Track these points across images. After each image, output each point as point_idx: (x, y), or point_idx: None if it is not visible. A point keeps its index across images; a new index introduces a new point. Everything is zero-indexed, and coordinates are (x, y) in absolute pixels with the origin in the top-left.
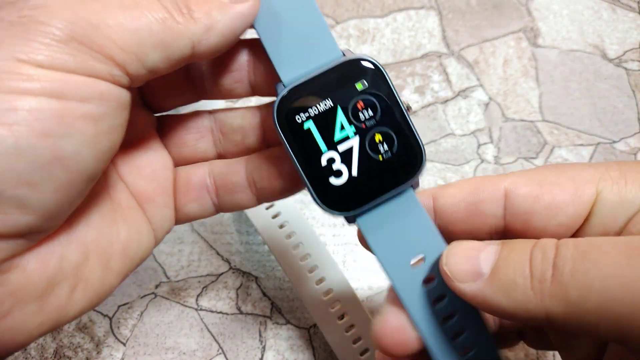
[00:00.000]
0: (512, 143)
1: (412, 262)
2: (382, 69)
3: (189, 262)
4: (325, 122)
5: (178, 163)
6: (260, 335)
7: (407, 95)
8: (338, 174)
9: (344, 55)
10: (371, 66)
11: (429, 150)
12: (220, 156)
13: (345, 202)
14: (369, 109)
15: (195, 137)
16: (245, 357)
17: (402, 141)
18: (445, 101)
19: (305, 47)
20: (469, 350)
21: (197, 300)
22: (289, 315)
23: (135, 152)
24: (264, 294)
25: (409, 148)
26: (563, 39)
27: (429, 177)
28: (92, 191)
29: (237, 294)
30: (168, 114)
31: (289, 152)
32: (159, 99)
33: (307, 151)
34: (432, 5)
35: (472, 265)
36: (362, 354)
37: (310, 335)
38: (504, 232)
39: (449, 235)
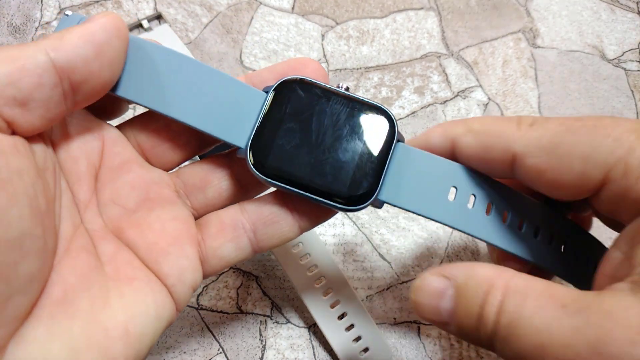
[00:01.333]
0: None
1: (450, 197)
2: (305, 79)
3: None
4: (301, 147)
5: (205, 208)
6: (260, 335)
7: (406, 96)
8: (342, 175)
9: (266, 93)
10: (296, 83)
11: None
12: (243, 190)
13: (365, 193)
14: (322, 113)
15: (219, 177)
16: (245, 356)
17: (366, 116)
18: (445, 101)
19: (232, 109)
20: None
21: (197, 299)
22: (289, 315)
23: (144, 212)
24: (264, 294)
25: (375, 116)
26: (562, 40)
27: None
28: (74, 274)
29: (238, 294)
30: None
31: (299, 194)
32: (165, 153)
33: (309, 180)
34: (431, 6)
35: (437, 317)
36: (362, 353)
37: (310, 334)
38: None
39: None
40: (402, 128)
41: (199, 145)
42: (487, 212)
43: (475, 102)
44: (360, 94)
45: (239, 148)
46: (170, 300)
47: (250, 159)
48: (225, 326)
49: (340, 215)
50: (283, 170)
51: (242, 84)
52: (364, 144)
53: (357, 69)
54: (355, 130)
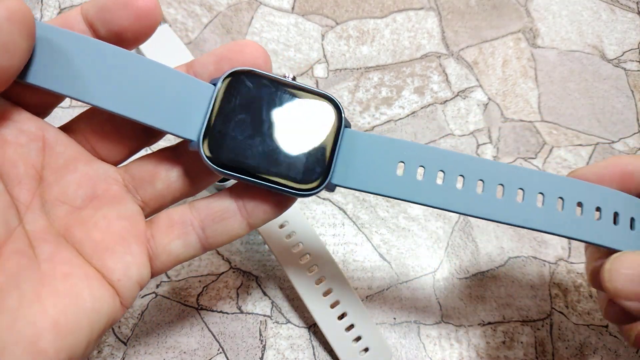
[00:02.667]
0: (511, 143)
1: (398, 172)
2: (252, 70)
3: (189, 262)
4: (252, 137)
5: (155, 200)
6: (260, 335)
7: (406, 96)
8: (296, 162)
9: (214, 85)
10: (244, 75)
11: (315, 87)
12: (192, 182)
13: (319, 177)
14: (272, 103)
15: (167, 170)
16: (245, 356)
17: (314, 104)
18: (445, 102)
19: (178, 101)
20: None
21: (197, 299)
22: (289, 315)
23: (91, 210)
24: (264, 294)
25: (322, 104)
26: (562, 40)
27: None
28: (4, 275)
29: (238, 294)
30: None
31: (255, 183)
32: (112, 146)
33: (263, 168)
34: (431, 6)
35: (636, 290)
36: (362, 352)
37: (310, 334)
38: None
39: None
40: (402, 128)
41: (146, 136)
42: (440, 180)
43: (475, 102)
44: (360, 94)
45: (190, 141)
46: (112, 295)
47: (203, 152)
48: (225, 326)
49: (340, 215)
50: (237, 161)
51: (187, 77)
52: (314, 131)
53: (357, 69)
54: (305, 119)
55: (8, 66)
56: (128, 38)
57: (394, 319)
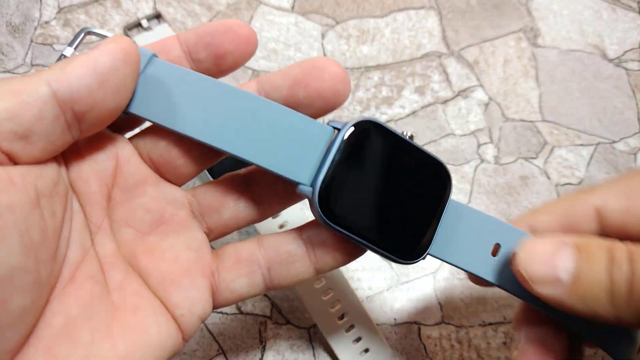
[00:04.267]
0: (512, 143)
1: (491, 251)
2: (378, 123)
3: None
4: (366, 195)
5: (220, 228)
6: (260, 335)
7: (407, 96)
8: (404, 229)
9: (335, 129)
10: (369, 126)
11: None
12: (260, 212)
13: (421, 249)
14: (391, 163)
15: (235, 199)
16: (245, 357)
17: (429, 171)
18: (445, 101)
19: (297, 141)
20: None
21: None
22: (289, 316)
23: (158, 237)
24: (264, 294)
25: (436, 172)
26: (563, 39)
27: None
28: (77, 304)
29: None
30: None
31: (359, 242)
32: (178, 168)
33: (370, 229)
34: (432, 5)
35: (550, 270)
36: (362, 353)
37: (310, 335)
38: None
39: None
40: (403, 128)
41: (211, 157)
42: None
43: (475, 101)
44: (361, 93)
45: (298, 184)
46: (176, 331)
47: (317, 202)
48: (225, 327)
49: None
50: (349, 218)
51: (303, 117)
52: (425, 199)
53: (358, 68)
54: (419, 185)
55: (115, 107)
56: (227, 62)
57: (395, 319)
